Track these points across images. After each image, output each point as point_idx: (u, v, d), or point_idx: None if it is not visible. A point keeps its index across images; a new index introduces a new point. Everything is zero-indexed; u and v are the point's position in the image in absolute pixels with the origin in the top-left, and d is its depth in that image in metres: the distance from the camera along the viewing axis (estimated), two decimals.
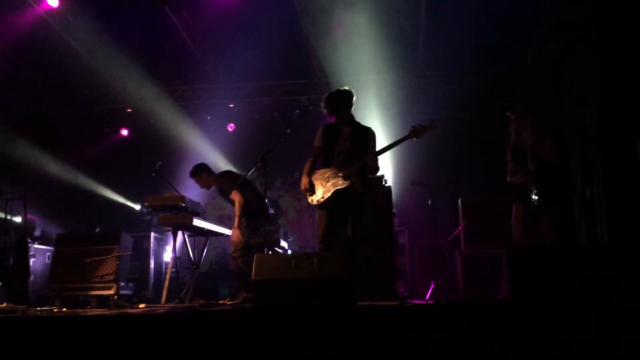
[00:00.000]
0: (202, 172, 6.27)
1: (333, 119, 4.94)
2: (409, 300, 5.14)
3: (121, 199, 10.19)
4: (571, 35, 7.29)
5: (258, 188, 6.33)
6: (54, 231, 7.46)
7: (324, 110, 4.94)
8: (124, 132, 10.24)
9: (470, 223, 6.84)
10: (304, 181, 4.84)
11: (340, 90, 5.00)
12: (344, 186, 4.69)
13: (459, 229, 6.90)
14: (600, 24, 6.42)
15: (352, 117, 4.97)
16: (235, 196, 5.89)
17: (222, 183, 6.10)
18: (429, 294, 6.33)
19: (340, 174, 4.72)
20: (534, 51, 8.41)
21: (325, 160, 4.89)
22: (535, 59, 8.48)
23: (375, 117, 9.33)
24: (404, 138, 4.81)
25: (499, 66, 8.98)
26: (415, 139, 4.85)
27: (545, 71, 8.27)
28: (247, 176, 5.70)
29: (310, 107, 9.50)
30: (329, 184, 4.76)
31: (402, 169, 9.39)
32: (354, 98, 4.93)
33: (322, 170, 4.86)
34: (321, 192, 4.78)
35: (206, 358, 3.10)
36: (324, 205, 4.79)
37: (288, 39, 8.32)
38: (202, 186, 6.36)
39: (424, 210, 7.44)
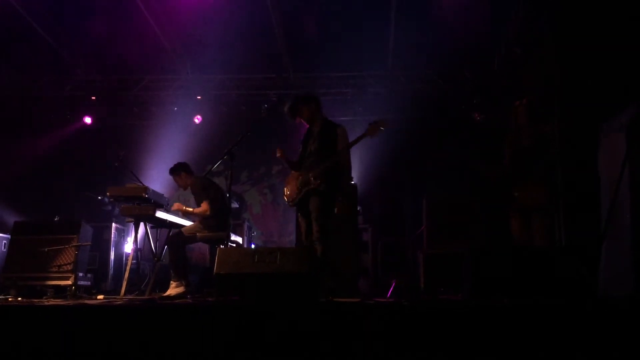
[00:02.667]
0: (180, 171, 6.21)
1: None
2: (370, 298, 5.18)
3: (82, 188, 9.98)
4: (536, 41, 7.45)
5: (224, 186, 6.30)
6: (11, 218, 7.27)
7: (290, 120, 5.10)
8: (87, 120, 10.02)
9: (433, 222, 6.92)
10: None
11: (295, 98, 5.14)
12: (313, 187, 4.75)
13: (422, 228, 6.97)
14: (563, 31, 6.57)
15: (319, 117, 5.04)
16: (204, 206, 5.94)
17: (196, 187, 6.05)
18: (390, 292, 6.38)
19: (310, 174, 4.78)
20: (501, 55, 8.57)
21: (300, 161, 5.01)
22: (501, 63, 8.64)
23: (341, 116, 9.38)
24: (361, 136, 4.87)
25: (467, 69, 9.11)
26: (370, 137, 4.88)
27: (511, 75, 8.44)
28: (212, 169, 5.75)
29: (278, 102, 9.50)
30: (300, 184, 4.87)
31: (367, 166, 9.45)
32: (311, 98, 5.07)
33: (295, 173, 4.98)
34: (295, 193, 4.93)
35: (165, 351, 3.06)
36: (297, 205, 4.95)
37: (258, 33, 8.27)
38: (179, 185, 6.31)
39: (388, 209, 7.49)
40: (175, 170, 6.23)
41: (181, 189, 6.53)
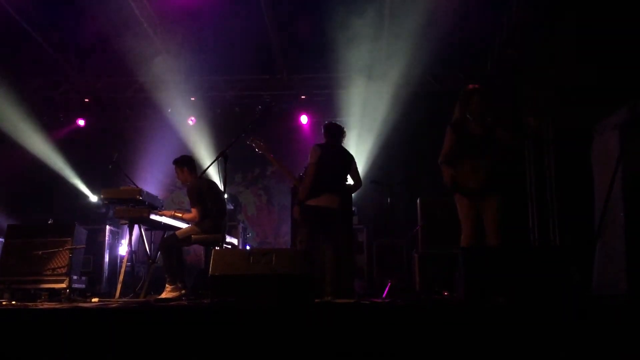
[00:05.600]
0: (183, 166, 6.10)
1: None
2: (365, 298, 5.19)
3: (76, 191, 9.96)
4: (529, 44, 7.48)
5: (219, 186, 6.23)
6: (4, 222, 7.24)
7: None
8: (81, 122, 10.00)
9: (428, 223, 6.93)
10: None
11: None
12: None
13: (417, 228, 6.99)
14: (556, 32, 6.60)
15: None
16: (194, 212, 5.87)
17: (193, 191, 5.98)
18: (385, 293, 6.39)
19: None
20: (494, 57, 8.60)
21: None
22: (494, 65, 8.67)
23: (335, 116, 9.39)
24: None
25: (458, 69, 9.13)
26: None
27: (503, 77, 8.47)
28: (207, 169, 5.75)
29: (273, 104, 9.51)
30: None
31: (362, 167, 9.47)
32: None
33: None
34: None
35: (160, 353, 3.06)
36: None
37: (252, 34, 8.27)
38: (178, 177, 6.25)
39: (383, 210, 7.49)
40: (178, 163, 6.13)
41: (175, 191, 6.50)
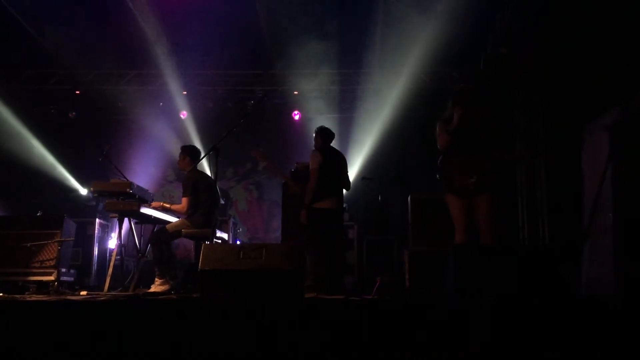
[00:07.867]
0: (187, 154, 6.10)
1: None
2: (355, 295, 5.19)
3: (66, 183, 9.90)
4: (523, 42, 7.50)
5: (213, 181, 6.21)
6: None
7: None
8: (71, 114, 9.92)
9: (418, 220, 6.93)
10: None
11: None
12: None
13: (408, 226, 6.98)
14: (548, 33, 6.63)
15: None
16: (183, 203, 5.87)
17: (187, 180, 5.96)
18: (375, 290, 6.39)
19: None
20: (487, 55, 8.61)
21: None
22: (487, 63, 8.68)
23: (328, 113, 9.39)
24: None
25: (452, 68, 9.15)
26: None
27: (496, 75, 8.48)
28: (198, 162, 5.78)
29: (265, 98, 9.49)
30: None
31: (353, 164, 9.48)
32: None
33: None
34: None
35: (148, 348, 3.05)
36: None
37: (245, 29, 8.24)
38: (178, 163, 6.25)
39: (374, 206, 7.50)
40: (184, 150, 6.16)
41: (166, 185, 6.48)
